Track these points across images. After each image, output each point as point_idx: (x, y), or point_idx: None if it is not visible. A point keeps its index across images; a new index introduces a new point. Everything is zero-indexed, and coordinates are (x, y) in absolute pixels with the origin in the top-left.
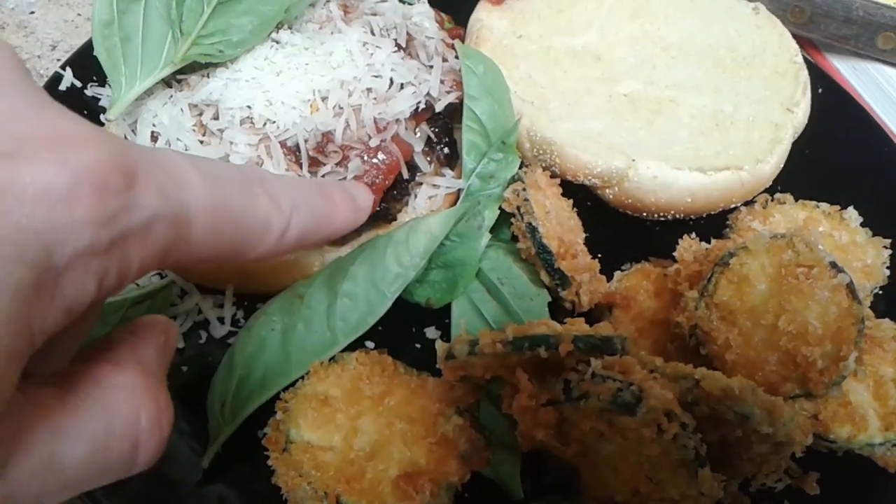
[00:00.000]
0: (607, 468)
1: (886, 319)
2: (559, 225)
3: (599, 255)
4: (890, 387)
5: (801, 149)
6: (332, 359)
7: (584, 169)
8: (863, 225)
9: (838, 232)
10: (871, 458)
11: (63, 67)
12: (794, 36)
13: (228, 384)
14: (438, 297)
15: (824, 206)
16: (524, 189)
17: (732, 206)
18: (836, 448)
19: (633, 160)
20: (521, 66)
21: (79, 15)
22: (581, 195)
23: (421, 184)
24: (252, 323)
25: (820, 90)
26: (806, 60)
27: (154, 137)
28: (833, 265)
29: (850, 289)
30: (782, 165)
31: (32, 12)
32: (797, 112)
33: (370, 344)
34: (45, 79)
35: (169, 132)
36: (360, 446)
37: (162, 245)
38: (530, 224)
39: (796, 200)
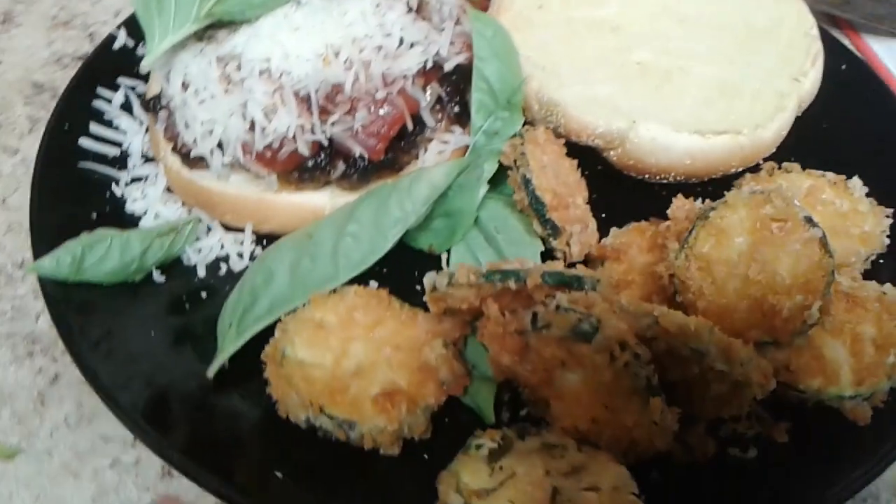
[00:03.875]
0: (571, 398)
1: (873, 282)
2: (556, 179)
3: (604, 215)
4: (867, 344)
5: (819, 122)
6: (333, 291)
7: (586, 129)
8: (869, 195)
9: (840, 200)
10: (840, 410)
11: (118, 28)
12: (832, 17)
13: (237, 308)
14: (439, 244)
15: (830, 175)
16: (522, 144)
17: (733, 170)
18: (805, 398)
19: (634, 122)
20: (538, 35)
21: None
22: (591, 159)
23: (431, 139)
24: (264, 256)
25: (844, 66)
26: (828, 35)
27: (185, 85)
28: (807, 220)
29: (823, 242)
30: (785, 133)
31: None
32: (804, 82)
33: (374, 283)
34: None
35: (197, 82)
36: (348, 367)
37: None
38: (524, 176)
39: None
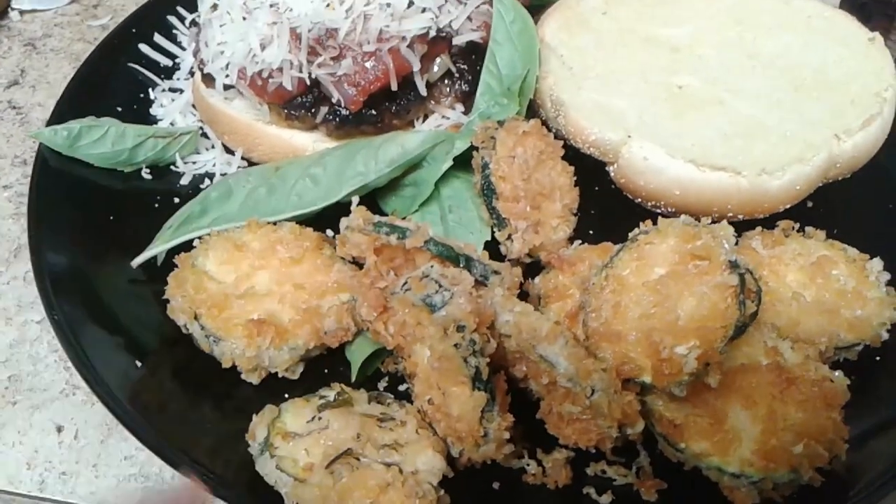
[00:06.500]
0: (422, 375)
1: (826, 367)
2: (526, 173)
3: (591, 232)
4: (784, 427)
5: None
6: (275, 222)
7: (581, 133)
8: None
9: (848, 278)
10: (718, 484)
11: None
12: None
13: (183, 214)
14: (402, 210)
15: (852, 251)
16: (496, 129)
17: (731, 214)
18: (682, 459)
19: (629, 137)
20: (585, 38)
21: None
22: (603, 177)
23: (433, 112)
24: (231, 176)
25: None
26: None
27: (214, 7)
28: (732, 264)
29: (737, 292)
30: (803, 188)
31: None
32: (845, 141)
33: (330, 233)
34: None
35: (224, 5)
36: (242, 289)
37: None
38: (483, 159)
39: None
